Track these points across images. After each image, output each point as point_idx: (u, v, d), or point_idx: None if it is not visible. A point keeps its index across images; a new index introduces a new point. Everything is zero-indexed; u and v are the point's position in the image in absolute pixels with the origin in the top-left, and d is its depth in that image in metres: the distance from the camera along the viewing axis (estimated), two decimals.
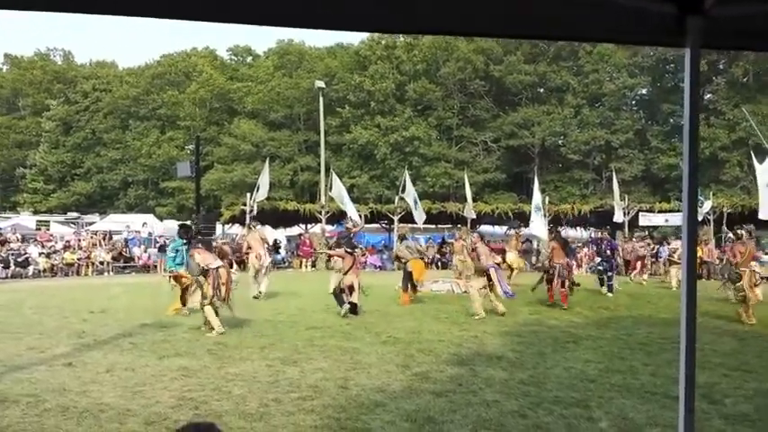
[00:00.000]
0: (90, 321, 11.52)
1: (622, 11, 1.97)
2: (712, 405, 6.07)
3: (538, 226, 23.09)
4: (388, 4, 1.99)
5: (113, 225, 35.24)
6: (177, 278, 12.45)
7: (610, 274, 17.02)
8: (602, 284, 17.04)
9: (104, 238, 29.64)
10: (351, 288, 12.86)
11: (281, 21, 2.16)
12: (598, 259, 17.92)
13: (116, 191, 54.83)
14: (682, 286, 2.04)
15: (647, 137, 43.76)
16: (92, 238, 29.19)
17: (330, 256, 16.74)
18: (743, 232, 12.77)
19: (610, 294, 16.42)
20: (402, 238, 17.23)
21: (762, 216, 20.87)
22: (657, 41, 2.27)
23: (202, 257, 10.55)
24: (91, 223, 37.78)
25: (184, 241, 12.73)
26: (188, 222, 15.15)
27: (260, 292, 15.49)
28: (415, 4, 2.02)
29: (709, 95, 43.86)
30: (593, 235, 28.98)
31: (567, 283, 13.97)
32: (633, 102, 48.43)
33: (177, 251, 12.77)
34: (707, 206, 25.83)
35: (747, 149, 33.06)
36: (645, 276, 22.49)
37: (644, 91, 47.10)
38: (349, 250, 13.27)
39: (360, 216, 28.12)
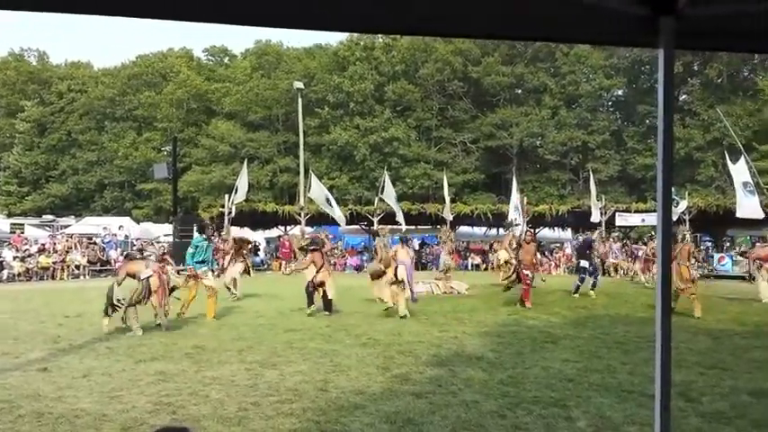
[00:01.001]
0: (65, 326, 11.35)
1: (596, 12, 1.97)
2: (689, 403, 6.13)
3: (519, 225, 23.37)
4: (369, 4, 1.98)
5: (89, 228, 34.78)
6: (190, 278, 12.29)
7: (596, 273, 17.09)
8: (577, 288, 16.77)
9: (80, 242, 29.24)
10: (322, 285, 13.01)
11: (264, 21, 2.14)
12: (585, 263, 17.31)
13: (92, 193, 54.14)
14: (656, 285, 2.05)
15: (624, 137, 44.22)
16: (67, 241, 28.78)
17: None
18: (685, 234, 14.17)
19: (592, 293, 16.38)
20: (375, 234, 19.19)
21: (739, 215, 21.22)
22: (631, 42, 2.28)
23: (133, 268, 11.11)
24: (66, 226, 37.26)
25: (204, 237, 12.60)
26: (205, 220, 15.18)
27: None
28: (393, 5, 2.01)
29: (684, 96, 44.44)
30: (579, 237, 29.22)
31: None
32: (609, 103, 48.92)
33: (197, 247, 12.58)
34: (682, 206, 26.15)
35: (722, 150, 33.54)
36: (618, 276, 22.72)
37: (620, 92, 47.61)
38: (314, 247, 13.47)
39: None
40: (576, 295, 16.22)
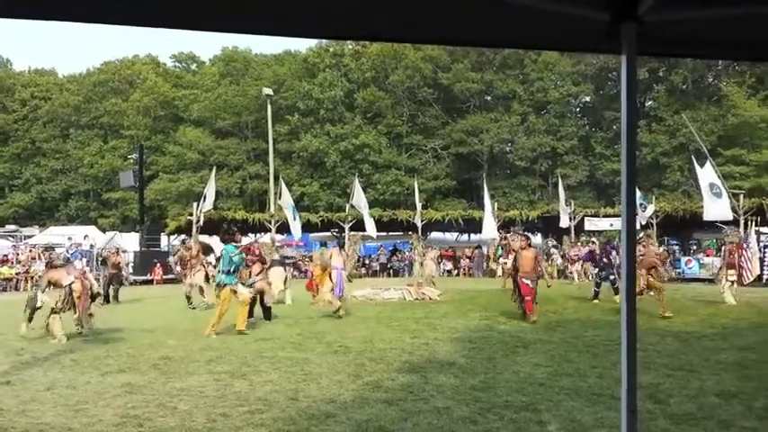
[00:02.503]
0: (29, 338, 11.07)
1: (559, 19, 1.99)
2: (657, 405, 6.20)
3: (489, 230, 23.69)
4: (336, 12, 1.98)
5: (53, 238, 34.07)
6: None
7: (613, 278, 16.65)
8: (596, 294, 16.75)
9: (44, 252, 28.60)
10: (261, 294, 13.13)
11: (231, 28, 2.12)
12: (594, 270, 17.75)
13: (56, 202, 53.17)
14: (621, 289, 2.06)
15: (592, 143, 44.88)
16: (30, 251, 28.16)
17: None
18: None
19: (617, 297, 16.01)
20: (323, 245, 20.90)
21: (707, 218, 21.60)
22: (594, 48, 2.29)
23: (55, 275, 11.10)
24: (30, 236, 36.46)
25: (235, 245, 12.06)
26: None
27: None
28: (358, 13, 2.00)
29: (650, 102, 45.30)
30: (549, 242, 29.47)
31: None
32: (577, 109, 49.64)
33: (230, 259, 11.81)
34: (649, 210, 26.57)
35: (687, 155, 34.24)
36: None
37: (587, 99, 48.32)
38: (253, 258, 13.67)
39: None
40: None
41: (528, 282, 12.81)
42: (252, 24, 2.02)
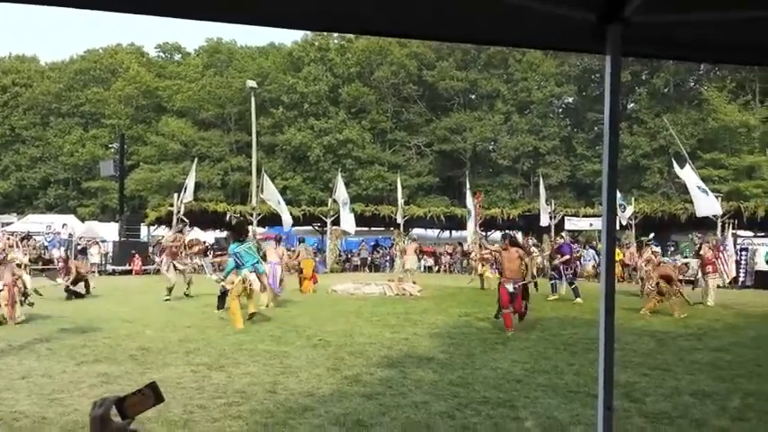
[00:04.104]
0: (4, 326, 10.94)
1: (545, 18, 2.00)
2: (633, 403, 6.27)
3: (470, 227, 23.78)
4: (327, 4, 1.98)
5: (32, 226, 33.67)
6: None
7: (570, 279, 16.69)
8: (552, 291, 16.81)
9: (22, 240, 28.23)
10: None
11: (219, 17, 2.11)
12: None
13: (35, 190, 52.51)
14: (600, 287, 2.09)
15: (573, 144, 45.25)
16: (8, 239, 27.73)
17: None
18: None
19: (579, 300, 15.82)
20: (301, 240, 21.67)
21: (699, 214, 21.86)
22: (579, 48, 2.32)
23: None
24: (8, 224, 35.96)
25: (241, 241, 11.96)
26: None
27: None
28: (347, 5, 2.00)
29: (631, 105, 45.75)
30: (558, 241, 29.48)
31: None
32: (560, 110, 50.01)
33: (237, 255, 11.66)
34: (629, 211, 26.82)
35: (668, 157, 34.63)
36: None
37: (570, 99, 48.69)
38: (219, 253, 13.84)
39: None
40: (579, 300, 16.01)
41: (509, 287, 10.88)
42: (244, 15, 2.02)
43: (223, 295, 13.01)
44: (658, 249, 16.84)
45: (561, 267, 16.95)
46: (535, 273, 16.75)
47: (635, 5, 1.99)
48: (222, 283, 12.71)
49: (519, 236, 35.78)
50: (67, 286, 16.53)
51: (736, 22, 2.15)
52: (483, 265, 20.33)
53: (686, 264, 21.84)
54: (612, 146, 2.10)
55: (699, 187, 21.27)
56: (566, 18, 2.03)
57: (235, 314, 11.08)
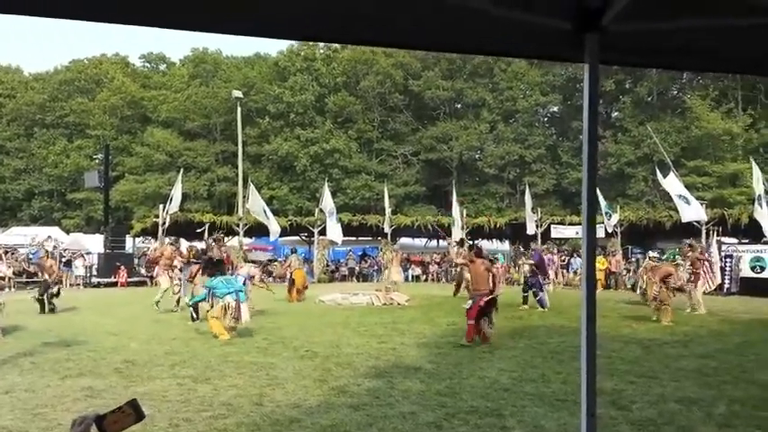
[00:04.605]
0: None
1: (523, 26, 2.01)
2: (620, 411, 6.29)
3: (457, 236, 23.89)
4: (311, 13, 1.98)
5: (16, 238, 33.33)
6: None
7: (534, 290, 16.60)
8: (524, 302, 16.66)
9: (6, 253, 27.92)
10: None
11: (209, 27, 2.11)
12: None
13: (19, 202, 52.00)
14: (582, 295, 2.08)
15: (559, 152, 45.48)
16: None
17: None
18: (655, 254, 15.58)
19: (545, 309, 15.97)
20: (293, 251, 21.97)
21: (684, 220, 22.06)
22: (558, 57, 2.33)
23: None
24: None
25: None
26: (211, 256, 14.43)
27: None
28: (332, 16, 2.01)
29: (615, 113, 46.13)
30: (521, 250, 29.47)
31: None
32: (545, 118, 50.30)
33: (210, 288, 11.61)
34: (614, 219, 26.98)
35: (652, 165, 34.89)
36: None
37: (555, 108, 48.99)
38: (194, 261, 14.00)
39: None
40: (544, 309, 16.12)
41: (471, 301, 10.66)
42: (232, 25, 2.02)
43: (197, 306, 13.14)
44: (656, 254, 16.82)
45: (537, 277, 16.77)
46: (522, 281, 16.72)
47: (613, 14, 2.00)
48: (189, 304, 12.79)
49: (506, 244, 36.03)
50: (42, 296, 15.91)
51: (715, 31, 2.17)
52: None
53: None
54: (591, 154, 2.11)
55: (680, 196, 21.48)
56: (544, 27, 2.04)
57: (217, 327, 11.06)
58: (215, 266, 12.44)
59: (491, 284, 10.63)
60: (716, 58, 2.57)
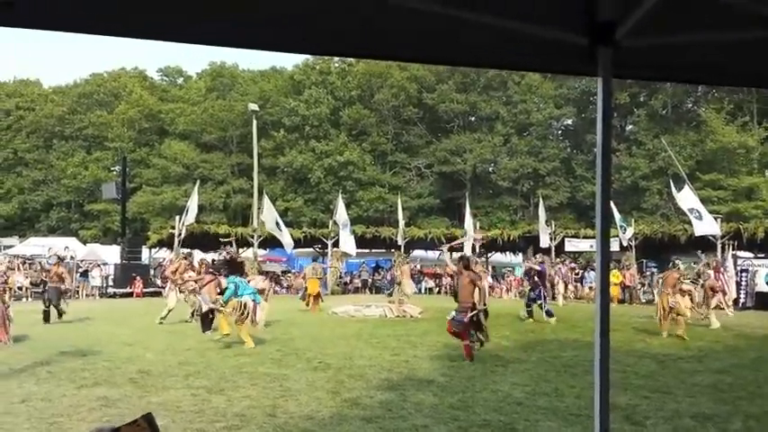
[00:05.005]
0: (5, 349, 10.92)
1: (537, 40, 2.03)
2: (634, 426, 6.24)
3: (468, 249, 23.91)
4: (313, 29, 2.01)
5: (34, 249, 33.68)
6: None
7: (540, 301, 16.46)
8: (529, 314, 16.57)
9: (24, 263, 28.24)
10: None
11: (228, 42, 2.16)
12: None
13: (38, 213, 52.57)
14: (595, 309, 2.09)
15: (573, 165, 45.33)
16: (10, 262, 27.72)
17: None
18: (678, 262, 15.17)
19: (551, 320, 15.95)
20: (314, 259, 22.67)
21: (697, 233, 21.92)
22: (571, 71, 2.35)
23: None
24: (9, 246, 36.03)
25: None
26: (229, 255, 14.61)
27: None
28: (345, 30, 2.04)
29: (630, 126, 45.97)
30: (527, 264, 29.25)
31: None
32: (559, 131, 50.18)
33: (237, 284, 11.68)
34: (629, 233, 26.80)
35: (666, 178, 34.67)
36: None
37: (569, 121, 48.87)
38: (212, 271, 13.76)
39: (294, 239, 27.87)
40: (550, 319, 16.05)
41: (459, 316, 10.06)
42: (245, 40, 2.06)
43: (206, 317, 13.24)
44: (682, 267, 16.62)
45: (539, 290, 16.62)
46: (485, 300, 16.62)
47: (626, 29, 2.02)
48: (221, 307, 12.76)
49: (519, 257, 35.84)
50: (48, 307, 15.71)
51: (728, 45, 2.18)
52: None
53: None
54: (605, 167, 2.13)
55: (693, 210, 21.36)
56: (558, 41, 2.06)
57: (222, 324, 11.40)
58: (235, 268, 12.56)
59: (475, 298, 10.17)
60: (729, 72, 2.58)
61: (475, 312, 10.12)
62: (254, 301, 11.56)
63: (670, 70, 2.57)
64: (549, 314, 16.22)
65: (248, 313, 11.42)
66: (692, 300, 15.20)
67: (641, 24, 1.99)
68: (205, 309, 13.22)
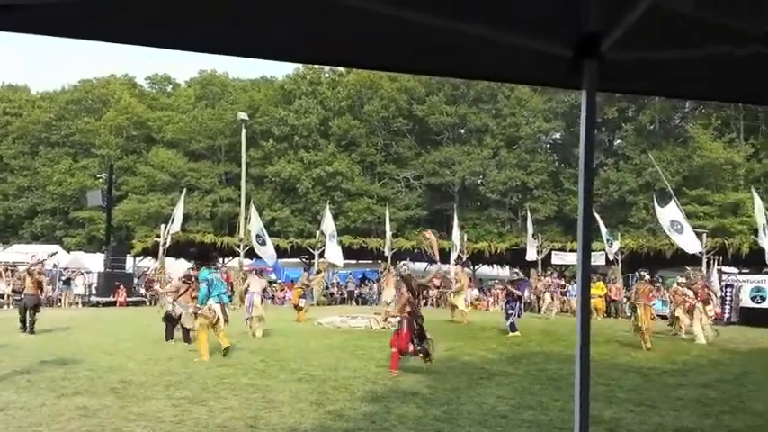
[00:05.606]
0: None
1: (521, 52, 2.03)
2: None
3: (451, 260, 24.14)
4: (302, 37, 2.01)
5: (17, 256, 33.31)
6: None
7: (510, 311, 16.19)
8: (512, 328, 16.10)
9: (6, 270, 27.90)
10: (179, 319, 13.48)
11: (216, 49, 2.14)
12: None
13: (21, 220, 52.12)
14: (576, 322, 2.08)
15: (561, 179, 45.55)
16: None
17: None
18: (645, 274, 15.50)
19: (511, 333, 15.63)
20: (306, 270, 22.60)
21: (690, 251, 22.08)
22: (556, 83, 2.34)
23: None
24: None
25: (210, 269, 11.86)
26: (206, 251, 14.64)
27: None
28: (333, 39, 2.04)
29: (618, 141, 46.28)
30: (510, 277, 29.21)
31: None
32: (548, 145, 50.43)
33: (209, 282, 11.37)
34: (615, 247, 26.92)
35: (653, 193, 34.90)
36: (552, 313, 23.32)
37: (558, 135, 49.14)
38: (185, 280, 13.86)
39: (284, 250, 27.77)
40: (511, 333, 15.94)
41: (397, 319, 10.06)
42: (239, 47, 2.05)
43: (170, 323, 13.40)
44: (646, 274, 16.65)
45: (516, 303, 16.43)
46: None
47: (611, 41, 2.02)
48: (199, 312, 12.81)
49: (506, 269, 35.86)
50: (25, 315, 14.87)
51: (713, 60, 2.19)
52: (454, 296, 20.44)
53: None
54: (587, 179, 2.12)
55: (674, 226, 21.50)
56: (542, 53, 2.06)
57: (202, 344, 11.04)
58: (205, 256, 12.42)
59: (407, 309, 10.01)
60: (714, 87, 2.59)
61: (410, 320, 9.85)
62: (220, 303, 11.35)
63: (655, 84, 2.59)
64: (513, 328, 15.87)
65: (218, 318, 11.27)
66: (691, 312, 15.42)
67: (626, 37, 1.99)
68: (177, 314, 13.30)
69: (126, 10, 1.81)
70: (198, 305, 11.67)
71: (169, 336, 13.47)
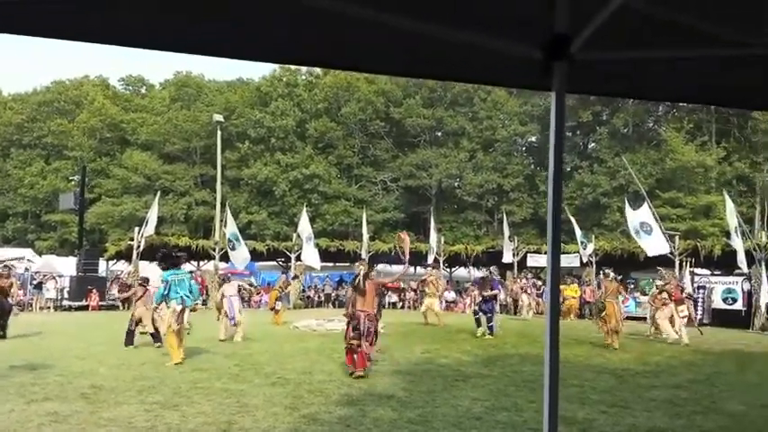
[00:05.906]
0: None
1: (492, 54, 2.02)
2: None
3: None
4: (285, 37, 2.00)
5: None
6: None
7: (489, 315, 16.05)
8: (478, 326, 16.07)
9: None
10: (139, 322, 13.54)
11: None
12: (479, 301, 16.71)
13: None
14: (546, 324, 2.08)
15: (536, 182, 45.91)
16: None
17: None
18: (609, 272, 15.69)
19: (490, 336, 15.61)
20: (284, 273, 22.49)
21: (650, 254, 22.30)
22: (526, 84, 2.35)
23: None
24: None
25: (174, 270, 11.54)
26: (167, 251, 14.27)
27: None
28: (305, 40, 2.02)
29: (593, 144, 46.80)
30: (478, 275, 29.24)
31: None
32: (524, 148, 50.83)
33: (168, 282, 11.11)
34: (589, 249, 27.17)
35: (627, 196, 35.33)
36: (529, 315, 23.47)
37: (533, 138, 49.55)
38: (141, 283, 14.08)
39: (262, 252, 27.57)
40: (490, 336, 15.93)
41: (357, 325, 9.88)
42: (216, 47, 2.02)
43: (130, 331, 13.29)
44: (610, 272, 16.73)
45: (489, 303, 16.35)
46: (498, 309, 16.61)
47: (580, 42, 2.02)
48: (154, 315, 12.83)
49: (483, 271, 36.00)
50: None
51: (682, 62, 2.20)
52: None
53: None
54: (556, 181, 2.12)
55: (643, 228, 21.72)
56: (512, 54, 2.06)
57: (173, 347, 10.89)
58: (170, 259, 12.10)
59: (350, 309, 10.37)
60: (684, 89, 2.61)
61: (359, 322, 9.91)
62: (182, 305, 11.10)
63: (624, 86, 2.60)
64: (491, 330, 15.82)
65: (179, 319, 11.04)
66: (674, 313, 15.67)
67: (595, 39, 1.99)
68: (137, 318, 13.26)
69: (116, 9, 1.78)
70: (155, 304, 11.55)
71: (128, 341, 13.12)
